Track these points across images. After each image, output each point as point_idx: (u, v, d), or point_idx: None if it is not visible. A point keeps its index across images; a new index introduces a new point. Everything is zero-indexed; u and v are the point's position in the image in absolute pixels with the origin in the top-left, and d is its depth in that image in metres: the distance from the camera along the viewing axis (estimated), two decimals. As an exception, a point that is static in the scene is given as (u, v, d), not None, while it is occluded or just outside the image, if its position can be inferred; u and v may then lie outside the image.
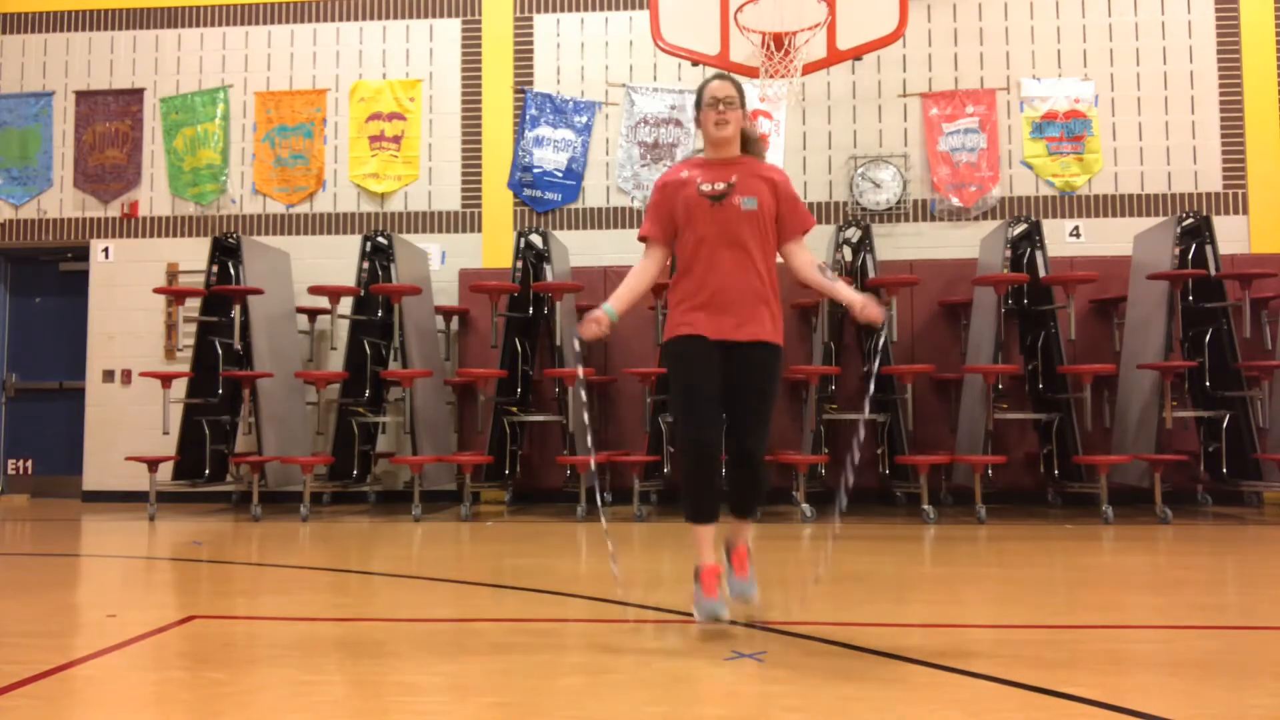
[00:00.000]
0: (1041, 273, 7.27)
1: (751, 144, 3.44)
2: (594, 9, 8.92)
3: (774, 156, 8.60)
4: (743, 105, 3.38)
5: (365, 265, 7.96)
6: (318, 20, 9.13)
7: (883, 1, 6.79)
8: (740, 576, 3.38)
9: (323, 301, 8.07)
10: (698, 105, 3.40)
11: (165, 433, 7.56)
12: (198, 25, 9.21)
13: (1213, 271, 7.10)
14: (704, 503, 3.30)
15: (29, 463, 9.40)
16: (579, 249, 8.58)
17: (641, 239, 3.48)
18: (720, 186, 3.28)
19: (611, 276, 8.41)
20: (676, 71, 8.75)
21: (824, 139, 8.72)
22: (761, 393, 3.27)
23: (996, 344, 7.06)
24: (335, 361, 8.47)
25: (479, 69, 8.95)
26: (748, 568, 3.39)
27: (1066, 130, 8.51)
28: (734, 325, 3.25)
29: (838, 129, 8.71)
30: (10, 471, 9.40)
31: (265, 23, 9.16)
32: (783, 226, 3.39)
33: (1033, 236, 7.39)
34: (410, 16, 9.06)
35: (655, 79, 8.83)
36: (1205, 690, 2.57)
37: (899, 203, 8.52)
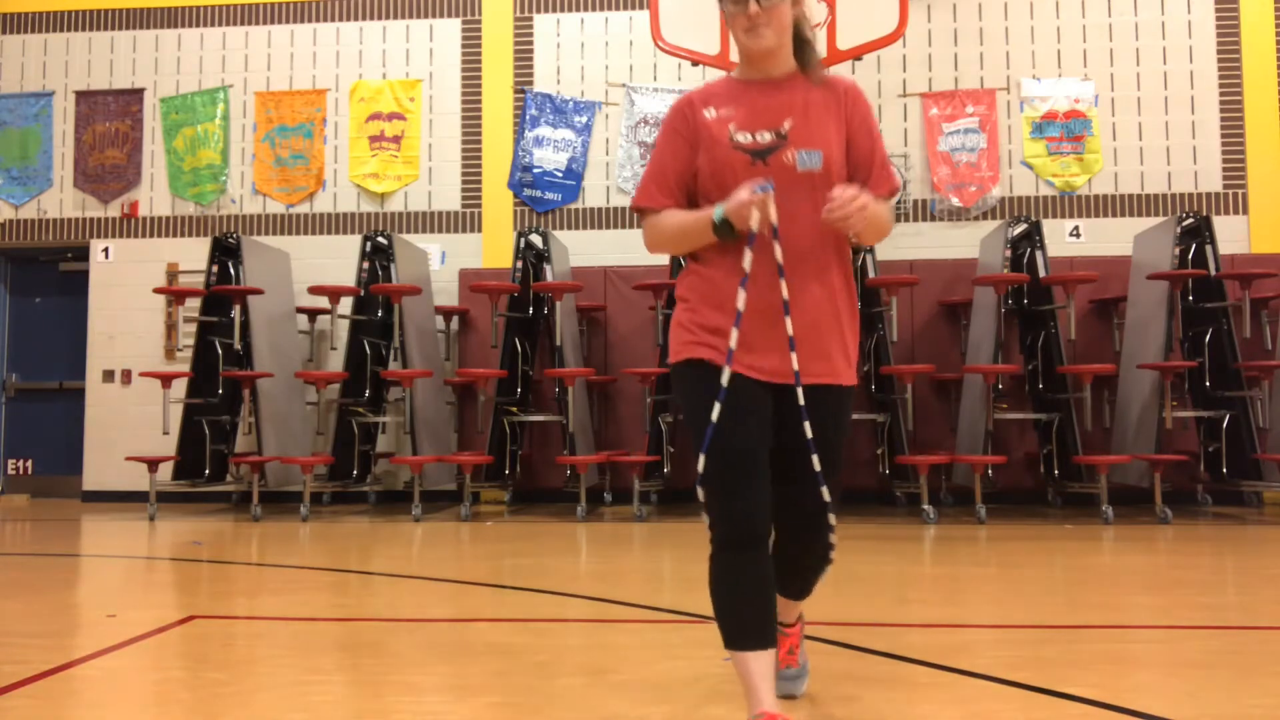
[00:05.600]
0: (1041, 273, 7.27)
1: (805, 47, 2.21)
2: (594, 9, 8.92)
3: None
4: None
5: (365, 265, 7.96)
6: (318, 20, 9.12)
7: (883, 1, 6.78)
8: (789, 667, 2.47)
9: (323, 301, 8.07)
10: None
11: (165, 433, 7.56)
12: (198, 25, 9.20)
13: (1213, 271, 7.10)
14: (752, 618, 2.07)
15: (29, 463, 9.40)
16: (579, 249, 8.58)
17: (637, 209, 2.24)
18: (766, 137, 2.12)
19: (612, 277, 8.42)
20: (676, 71, 8.75)
21: (824, 139, 8.70)
22: (828, 443, 2.15)
23: (996, 344, 7.06)
24: (335, 361, 8.47)
25: (479, 69, 8.95)
26: (799, 655, 2.48)
27: (1066, 130, 8.51)
28: (787, 361, 2.08)
29: (838, 129, 8.69)
30: (10, 471, 9.40)
31: (265, 23, 9.15)
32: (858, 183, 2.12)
33: (1033, 236, 7.39)
34: (410, 16, 9.06)
35: (655, 79, 8.83)
36: (1205, 690, 2.57)
37: (899, 203, 8.52)
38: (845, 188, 1.98)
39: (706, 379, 2.09)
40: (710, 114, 2.17)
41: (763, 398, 2.11)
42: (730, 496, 2.05)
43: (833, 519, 2.19)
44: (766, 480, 2.08)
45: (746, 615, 2.05)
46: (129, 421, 8.76)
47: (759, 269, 2.05)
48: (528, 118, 8.83)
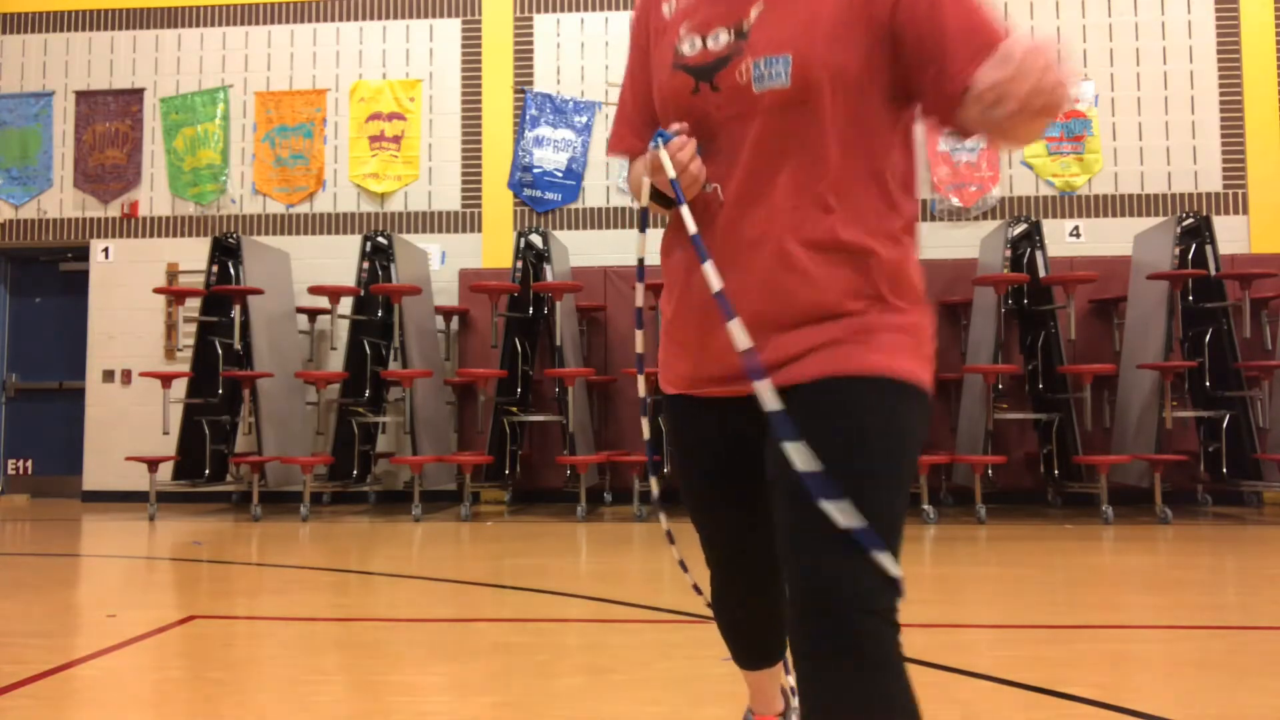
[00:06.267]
0: (1041, 273, 7.27)
1: None
2: (594, 9, 8.91)
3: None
4: None
5: (365, 265, 7.96)
6: (318, 20, 9.12)
7: (883, 1, 6.77)
8: None
9: (323, 301, 8.07)
10: None
11: (165, 433, 7.56)
12: (198, 25, 9.20)
13: (1213, 271, 7.10)
14: (747, 644, 1.80)
15: (29, 463, 9.40)
16: (579, 249, 8.57)
17: (617, 154, 1.68)
18: (721, 41, 1.40)
19: (612, 277, 8.41)
20: (676, 71, 8.74)
21: (824, 139, 8.70)
22: (855, 478, 1.32)
23: (996, 344, 7.06)
24: (335, 361, 8.47)
25: (479, 69, 8.95)
26: None
27: (1066, 130, 8.50)
28: (755, 365, 1.35)
29: (838, 129, 8.69)
30: (10, 471, 9.40)
31: (265, 23, 9.15)
32: (922, 64, 1.33)
33: (1033, 236, 7.39)
34: (410, 16, 9.06)
35: (655, 79, 8.81)
36: (1205, 690, 2.57)
37: (899, 203, 8.51)
38: (1008, 49, 1.13)
39: (668, 411, 1.69)
40: (668, 11, 1.50)
41: (710, 425, 1.58)
42: (704, 550, 1.72)
43: (867, 630, 1.23)
44: (747, 529, 1.62)
45: (740, 643, 1.80)
46: (129, 421, 8.76)
47: (718, 250, 1.43)
48: (528, 118, 8.83)
